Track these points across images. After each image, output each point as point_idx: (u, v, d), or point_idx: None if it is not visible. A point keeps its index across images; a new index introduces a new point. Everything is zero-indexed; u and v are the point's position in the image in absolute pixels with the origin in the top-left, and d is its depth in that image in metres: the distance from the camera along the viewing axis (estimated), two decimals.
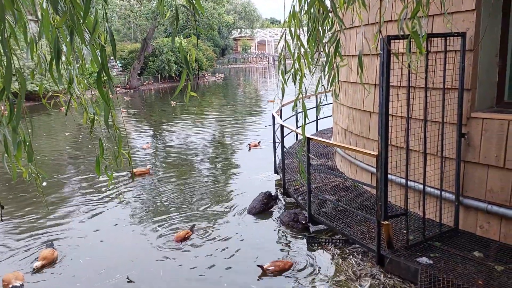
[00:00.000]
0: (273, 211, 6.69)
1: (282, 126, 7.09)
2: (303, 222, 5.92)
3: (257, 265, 4.87)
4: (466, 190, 4.80)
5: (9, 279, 4.78)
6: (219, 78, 42.87)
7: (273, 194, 7.01)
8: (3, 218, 6.54)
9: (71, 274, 5.09)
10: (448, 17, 4.63)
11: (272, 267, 4.79)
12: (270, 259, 5.01)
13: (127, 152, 2.50)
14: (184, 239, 5.71)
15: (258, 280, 4.73)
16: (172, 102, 24.14)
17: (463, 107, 4.62)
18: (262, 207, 6.68)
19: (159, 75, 36.36)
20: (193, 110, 20.62)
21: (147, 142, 12.48)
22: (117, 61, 35.24)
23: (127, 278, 4.85)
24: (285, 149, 7.40)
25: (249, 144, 10.94)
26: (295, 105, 2.75)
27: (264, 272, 4.80)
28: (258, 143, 11.33)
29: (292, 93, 2.89)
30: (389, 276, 4.49)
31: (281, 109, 9.06)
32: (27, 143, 2.19)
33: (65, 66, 2.21)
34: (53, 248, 5.61)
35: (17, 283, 4.74)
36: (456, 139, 4.70)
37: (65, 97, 2.73)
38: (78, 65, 2.27)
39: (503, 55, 4.62)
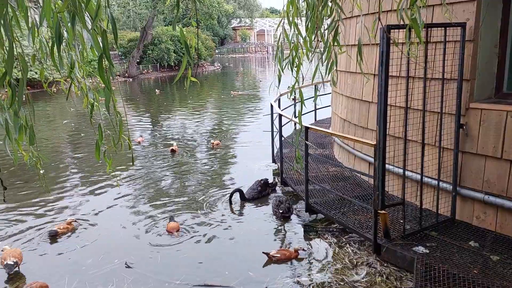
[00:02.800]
0: (270, 199, 6.75)
1: (280, 115, 7.10)
2: (281, 211, 5.98)
3: (263, 252, 4.92)
4: (463, 180, 4.84)
5: (5, 256, 4.82)
6: (218, 67, 42.70)
7: (270, 182, 7.05)
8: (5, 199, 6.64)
9: (69, 259, 5.14)
10: (448, 7, 4.62)
11: (278, 255, 4.84)
12: (266, 246, 5.06)
13: (127, 136, 2.52)
14: (178, 229, 5.70)
15: (257, 267, 4.78)
16: (156, 90, 24.26)
17: (462, 97, 4.64)
18: (256, 195, 6.74)
19: (158, 64, 36.19)
20: (191, 99, 20.60)
21: (141, 136, 12.10)
22: (118, 50, 34.98)
23: (125, 264, 4.90)
24: (283, 139, 7.42)
25: (212, 143, 10.55)
26: (292, 92, 2.75)
27: (270, 259, 4.85)
28: (220, 140, 10.93)
29: (290, 82, 2.90)
30: (385, 264, 4.54)
31: (279, 98, 9.06)
32: (29, 126, 2.21)
33: (66, 51, 2.21)
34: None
35: (11, 261, 4.77)
36: (454, 130, 4.72)
37: (66, 83, 2.74)
38: (79, 50, 2.28)
39: (502, 46, 4.62)
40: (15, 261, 4.79)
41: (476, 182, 4.71)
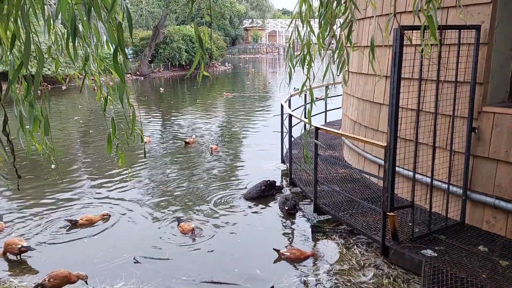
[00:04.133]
0: (276, 199, 6.80)
1: (290, 116, 7.09)
2: (287, 208, 6.11)
3: (273, 249, 4.95)
4: (474, 184, 4.79)
5: (14, 242, 4.93)
6: (229, 67, 42.77)
7: (277, 185, 7.06)
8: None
9: (79, 251, 5.19)
10: (463, 9, 4.58)
11: (288, 253, 4.86)
12: (274, 246, 5.06)
13: (140, 129, 2.54)
14: (193, 230, 5.63)
15: (264, 265, 4.78)
16: (161, 89, 24.70)
17: (475, 101, 4.59)
18: (258, 194, 6.78)
19: (169, 63, 36.37)
20: (200, 99, 20.68)
21: (148, 136, 11.83)
22: (132, 46, 35.23)
23: (134, 259, 4.93)
24: (292, 139, 7.41)
25: (211, 148, 10.28)
26: (302, 90, 2.75)
27: (280, 257, 4.89)
28: (217, 145, 10.65)
29: (300, 84, 2.89)
30: (392, 267, 4.52)
31: (289, 99, 9.06)
32: (43, 117, 2.24)
33: (81, 44, 2.24)
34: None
35: (26, 243, 4.95)
36: (466, 133, 4.68)
37: (80, 77, 2.77)
38: (94, 43, 2.31)
39: None
40: (28, 245, 4.98)
41: (487, 187, 4.66)
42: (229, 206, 6.55)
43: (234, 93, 22.18)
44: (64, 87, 24.01)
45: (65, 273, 4.33)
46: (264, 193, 6.82)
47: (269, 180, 6.99)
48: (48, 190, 7.38)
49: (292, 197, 6.38)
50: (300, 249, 4.98)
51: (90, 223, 5.91)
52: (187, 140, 10.87)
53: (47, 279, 4.29)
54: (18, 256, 4.97)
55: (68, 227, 5.84)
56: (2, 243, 5.15)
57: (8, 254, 5.01)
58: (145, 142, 10.98)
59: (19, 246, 4.89)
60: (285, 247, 5.14)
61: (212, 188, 7.43)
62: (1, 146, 2.05)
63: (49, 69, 22.47)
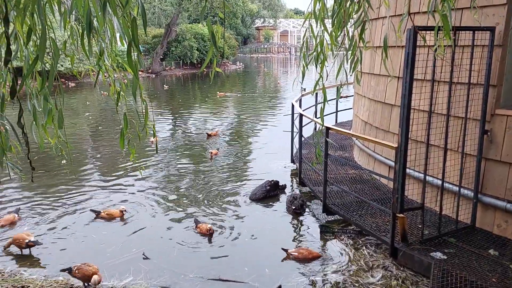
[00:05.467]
0: (280, 198, 6.82)
1: (301, 115, 7.08)
2: (294, 207, 6.13)
3: (282, 248, 4.96)
4: (485, 187, 4.74)
5: (21, 236, 5.00)
6: (240, 66, 42.81)
7: (280, 184, 7.05)
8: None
9: (89, 246, 5.25)
10: (478, 10, 4.53)
11: (295, 253, 4.87)
12: (282, 245, 5.06)
13: (152, 124, 2.56)
14: (212, 231, 5.55)
15: (272, 264, 4.79)
16: (165, 86, 25.13)
17: (488, 103, 4.55)
18: (263, 194, 6.80)
19: (181, 61, 36.53)
20: (209, 98, 20.73)
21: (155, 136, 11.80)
22: (145, 42, 35.47)
23: (143, 255, 4.97)
24: (302, 139, 7.40)
25: (211, 153, 9.80)
26: (315, 88, 2.74)
27: (288, 257, 4.90)
28: (217, 149, 10.20)
29: (312, 85, 2.88)
30: (401, 268, 4.49)
31: (300, 99, 9.04)
32: (58, 110, 2.27)
33: (96, 38, 2.26)
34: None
35: (33, 238, 5.02)
36: (478, 136, 4.64)
37: (94, 72, 2.80)
38: (108, 38, 2.33)
39: None
40: (36, 239, 5.06)
41: (499, 190, 4.61)
42: (236, 206, 6.56)
43: (232, 93, 22.12)
44: (72, 84, 24.27)
45: (90, 271, 4.34)
46: (269, 193, 6.84)
47: (272, 180, 7.01)
48: (60, 184, 7.46)
49: (299, 197, 6.38)
50: (309, 249, 4.98)
51: (110, 217, 6.00)
52: (210, 133, 11.24)
53: (76, 268, 4.38)
54: (23, 250, 5.04)
55: (78, 222, 5.90)
56: (13, 236, 5.21)
57: (15, 247, 5.07)
58: (151, 142, 10.97)
59: (27, 240, 4.95)
60: (296, 246, 5.14)
61: (220, 187, 7.44)
62: (16, 138, 2.08)
63: (62, 65, 22.69)
